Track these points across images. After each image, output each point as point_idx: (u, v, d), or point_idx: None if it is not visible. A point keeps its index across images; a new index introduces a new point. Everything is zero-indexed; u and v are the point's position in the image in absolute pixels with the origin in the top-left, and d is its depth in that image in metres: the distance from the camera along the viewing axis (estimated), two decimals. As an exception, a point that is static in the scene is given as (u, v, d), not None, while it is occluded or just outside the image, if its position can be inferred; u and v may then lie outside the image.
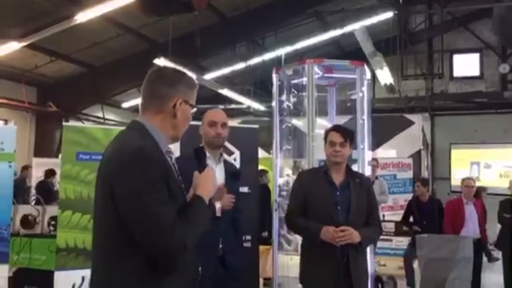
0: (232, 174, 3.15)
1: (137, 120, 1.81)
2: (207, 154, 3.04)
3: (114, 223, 1.66)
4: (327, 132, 3.25)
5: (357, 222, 3.06)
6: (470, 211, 6.28)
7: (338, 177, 3.17)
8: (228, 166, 3.19)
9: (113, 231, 1.67)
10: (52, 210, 5.02)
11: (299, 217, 3.20)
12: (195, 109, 1.87)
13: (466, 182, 6.48)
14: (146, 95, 1.82)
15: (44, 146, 11.56)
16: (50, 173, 9.06)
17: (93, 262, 1.78)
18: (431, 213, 6.60)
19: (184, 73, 1.90)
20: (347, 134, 3.17)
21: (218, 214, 2.87)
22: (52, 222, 4.95)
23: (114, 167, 1.67)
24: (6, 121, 10.95)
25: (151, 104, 1.80)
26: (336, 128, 3.25)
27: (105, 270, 1.71)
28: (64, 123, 4.91)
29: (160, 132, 1.78)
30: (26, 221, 5.02)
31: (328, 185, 3.14)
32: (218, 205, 2.82)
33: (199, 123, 3.19)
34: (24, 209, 5.21)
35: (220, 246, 2.96)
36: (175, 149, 3.73)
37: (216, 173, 2.88)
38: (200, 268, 1.93)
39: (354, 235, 2.97)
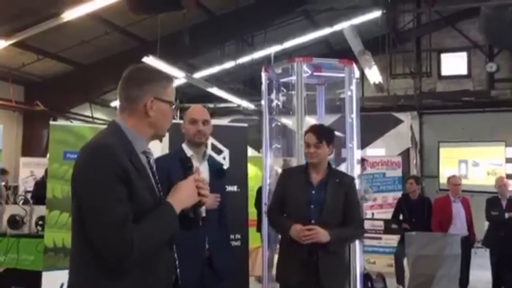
0: (216, 172, 3.12)
1: (114, 120, 1.83)
2: (191, 152, 3.02)
3: (77, 220, 1.70)
4: (305, 133, 3.27)
5: (330, 222, 3.06)
6: (458, 209, 6.34)
7: (317, 176, 3.19)
8: (212, 163, 3.16)
9: (77, 228, 1.71)
10: (40, 210, 4.98)
11: (277, 214, 3.24)
12: (174, 106, 1.86)
13: (453, 180, 6.54)
14: (120, 97, 1.83)
15: (32, 145, 11.46)
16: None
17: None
18: (420, 211, 6.64)
19: (153, 71, 1.88)
20: (322, 134, 3.16)
21: (203, 214, 2.85)
22: (40, 222, 4.90)
23: (74, 165, 1.72)
24: (-8, 120, 10.84)
25: (125, 106, 1.81)
26: (311, 129, 3.24)
27: (72, 267, 1.73)
28: (51, 122, 4.88)
29: (136, 132, 1.78)
30: (14, 221, 4.97)
31: (305, 184, 3.16)
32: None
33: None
34: (11, 209, 5.16)
35: (207, 246, 2.93)
36: (164, 147, 3.72)
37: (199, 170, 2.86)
38: (178, 272, 1.85)
39: (320, 235, 2.96)
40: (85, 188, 1.66)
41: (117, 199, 1.62)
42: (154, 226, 1.67)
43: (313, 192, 3.14)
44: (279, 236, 3.61)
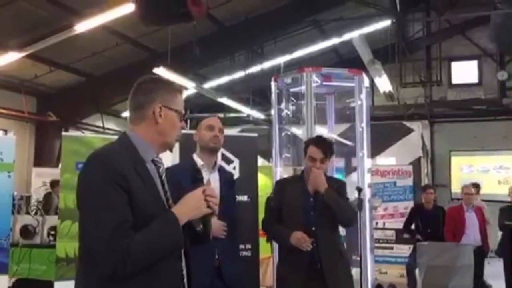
0: (227, 182, 3.13)
1: (125, 131, 1.85)
2: (201, 162, 3.04)
3: (80, 229, 1.73)
4: (308, 145, 3.25)
5: (330, 227, 3.15)
6: (471, 218, 6.27)
7: None
8: (222, 174, 3.17)
9: (80, 237, 1.74)
10: (52, 220, 5.02)
11: (274, 224, 3.27)
12: (182, 115, 1.85)
13: (466, 189, 6.48)
14: (130, 107, 1.86)
15: (44, 156, 11.55)
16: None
17: None
18: (436, 221, 6.54)
19: (162, 80, 1.92)
20: (328, 149, 3.20)
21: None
22: (52, 232, 4.94)
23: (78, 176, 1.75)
24: (5, 131, 10.95)
25: (134, 115, 1.83)
26: (316, 143, 3.24)
27: (76, 277, 1.76)
28: (63, 133, 4.93)
29: (144, 141, 1.79)
30: (26, 231, 5.01)
31: (302, 193, 3.20)
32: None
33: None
34: (23, 219, 5.20)
35: (217, 256, 2.93)
36: (174, 157, 3.73)
37: (210, 182, 2.88)
38: (185, 282, 1.83)
39: (320, 180, 3.08)
40: (82, 197, 1.68)
41: (112, 207, 1.61)
42: (154, 235, 1.64)
43: (311, 199, 3.19)
44: (277, 247, 3.63)
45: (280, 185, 3.44)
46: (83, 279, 1.71)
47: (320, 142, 3.26)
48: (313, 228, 3.07)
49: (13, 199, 4.88)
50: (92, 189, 1.65)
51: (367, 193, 4.38)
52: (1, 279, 4.32)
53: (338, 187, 3.28)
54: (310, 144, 3.24)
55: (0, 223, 4.36)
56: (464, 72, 14.02)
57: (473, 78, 14.00)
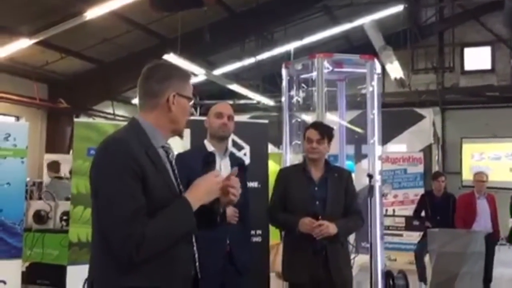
0: (238, 168, 3.15)
1: (134, 117, 1.85)
2: (212, 148, 3.05)
3: (94, 214, 1.74)
4: (306, 129, 3.33)
5: (334, 215, 3.15)
6: (482, 206, 6.24)
7: (316, 173, 3.26)
8: (233, 159, 3.19)
9: (95, 222, 1.74)
10: (64, 205, 5.08)
11: (279, 212, 3.29)
12: (192, 101, 1.88)
13: (478, 176, 6.44)
14: (141, 93, 1.85)
15: (55, 142, 11.64)
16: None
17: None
18: (445, 208, 6.53)
19: (175, 67, 1.93)
20: (325, 131, 3.25)
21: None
22: (64, 217, 5.00)
23: (92, 160, 1.76)
24: (18, 118, 11.04)
25: (146, 101, 1.83)
26: (314, 125, 3.34)
27: (91, 261, 1.76)
28: (75, 119, 4.96)
29: (155, 127, 1.80)
30: (39, 216, 5.08)
31: (306, 181, 3.23)
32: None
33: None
34: (36, 205, 5.27)
35: (228, 241, 2.96)
36: (185, 143, 3.75)
37: (221, 168, 2.90)
38: (198, 267, 1.84)
39: (330, 228, 3.04)
40: (99, 183, 1.69)
41: (129, 193, 1.63)
42: (168, 221, 1.67)
43: (316, 188, 3.21)
44: (283, 234, 3.65)
45: (285, 173, 3.46)
46: (99, 265, 1.72)
47: (317, 124, 3.37)
48: (320, 217, 3.09)
49: (26, 185, 4.93)
50: (109, 175, 1.66)
51: (377, 180, 4.37)
52: (15, 263, 4.39)
53: (346, 177, 3.30)
54: (308, 127, 3.33)
55: (14, 209, 4.41)
56: (477, 58, 13.83)
57: (486, 64, 13.81)
